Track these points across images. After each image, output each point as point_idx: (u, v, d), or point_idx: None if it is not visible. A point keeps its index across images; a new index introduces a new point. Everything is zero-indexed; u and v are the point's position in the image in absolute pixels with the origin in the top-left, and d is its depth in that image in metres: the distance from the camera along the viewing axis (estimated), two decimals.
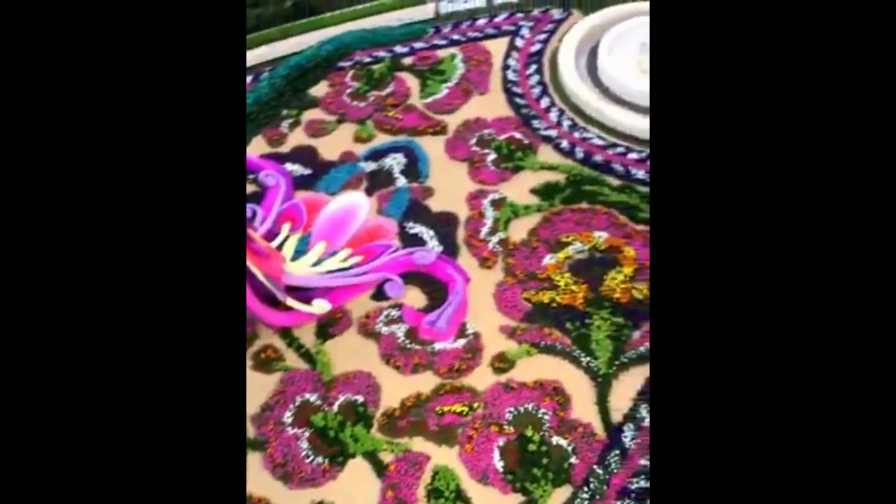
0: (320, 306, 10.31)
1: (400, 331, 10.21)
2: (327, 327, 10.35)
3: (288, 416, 9.44)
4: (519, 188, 11.99)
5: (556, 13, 15.48)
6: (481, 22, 15.53)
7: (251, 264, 9.46)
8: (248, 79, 14.00)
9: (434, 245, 11.20)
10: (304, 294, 10.42)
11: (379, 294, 10.67)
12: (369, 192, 12.13)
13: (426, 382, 9.66)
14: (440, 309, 10.27)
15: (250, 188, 12.13)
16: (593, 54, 14.39)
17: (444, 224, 11.53)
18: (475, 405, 9.33)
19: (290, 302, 10.14)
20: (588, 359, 9.73)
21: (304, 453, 9.12)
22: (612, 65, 13.76)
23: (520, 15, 15.60)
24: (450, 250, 11.16)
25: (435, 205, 11.84)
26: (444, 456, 8.98)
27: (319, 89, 13.90)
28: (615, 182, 11.91)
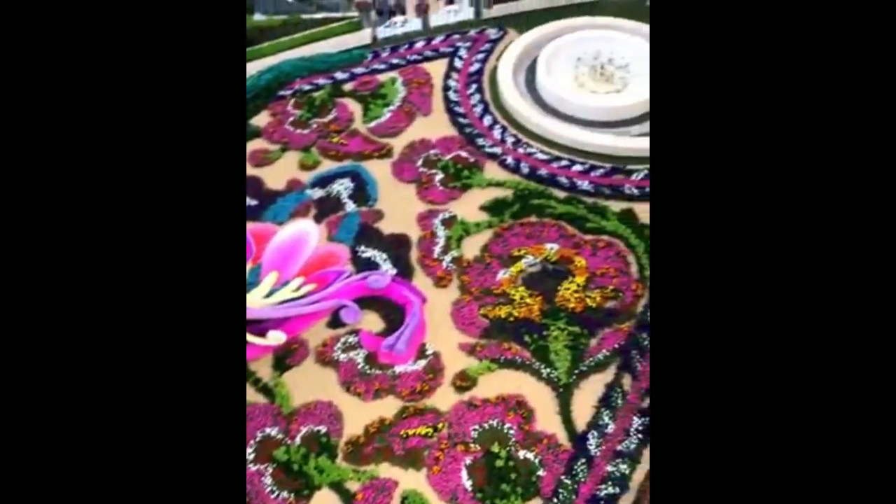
0: (276, 338, 10.12)
1: (359, 357, 10.09)
2: (284, 359, 10.15)
3: (250, 453, 9.18)
4: (468, 206, 12.09)
5: (492, 33, 15.79)
6: (419, 45, 15.71)
7: None
8: None
9: (388, 268, 11.16)
10: (259, 327, 10.20)
11: (335, 321, 10.54)
12: (318, 219, 12.03)
13: (389, 407, 9.56)
14: (398, 331, 10.21)
15: None
16: (531, 71, 14.72)
17: (396, 246, 11.52)
18: (440, 426, 9.27)
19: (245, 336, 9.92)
20: (548, 370, 9.81)
21: (268, 489, 8.87)
22: (550, 80, 14.09)
23: (456, 36, 15.85)
24: (404, 272, 11.13)
25: (386, 227, 11.82)
26: (411, 480, 8.87)
27: (261, 119, 13.82)
28: (561, 194, 12.13)
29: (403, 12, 16.82)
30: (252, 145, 13.41)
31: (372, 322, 10.53)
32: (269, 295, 10.66)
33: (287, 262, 11.21)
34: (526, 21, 15.89)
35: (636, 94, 13.86)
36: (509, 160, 12.80)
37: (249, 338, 9.91)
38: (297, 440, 9.31)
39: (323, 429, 9.38)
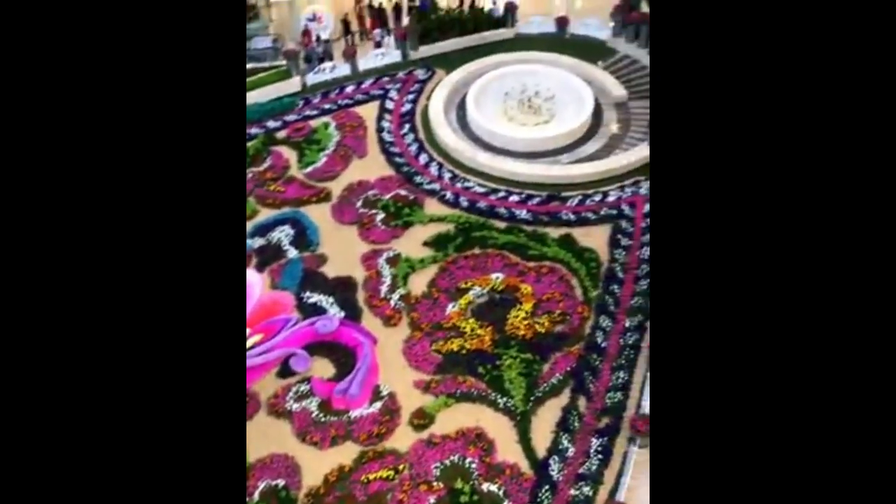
0: None
1: (312, 405, 9.88)
2: None
3: None
4: (412, 243, 12.15)
5: (421, 73, 16.14)
6: (349, 89, 15.89)
7: None
8: None
9: (335, 311, 11.05)
10: None
11: (285, 370, 10.32)
12: (260, 268, 11.84)
13: (347, 453, 9.35)
14: (351, 375, 10.07)
15: None
16: (462, 108, 15.08)
17: (342, 289, 11.43)
18: (401, 467, 9.12)
19: None
20: (505, 399, 9.84)
21: None
22: (481, 116, 14.47)
23: (386, 79, 16.12)
24: (352, 314, 11.04)
25: (330, 271, 11.74)
26: None
27: None
28: (501, 225, 12.37)
29: (331, 58, 17.04)
30: None
31: (323, 368, 10.35)
32: None
33: None
34: (452, 60, 16.34)
35: (564, 123, 14.37)
36: (448, 195, 12.99)
37: None
38: (256, 496, 8.97)
39: (281, 482, 9.08)
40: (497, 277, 11.40)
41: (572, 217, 12.41)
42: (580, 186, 12.99)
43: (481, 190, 13.08)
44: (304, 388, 10.11)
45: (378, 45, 17.39)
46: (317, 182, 13.49)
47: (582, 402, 9.75)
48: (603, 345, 10.38)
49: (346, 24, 17.97)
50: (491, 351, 10.43)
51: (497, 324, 10.77)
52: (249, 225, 12.66)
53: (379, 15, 18.07)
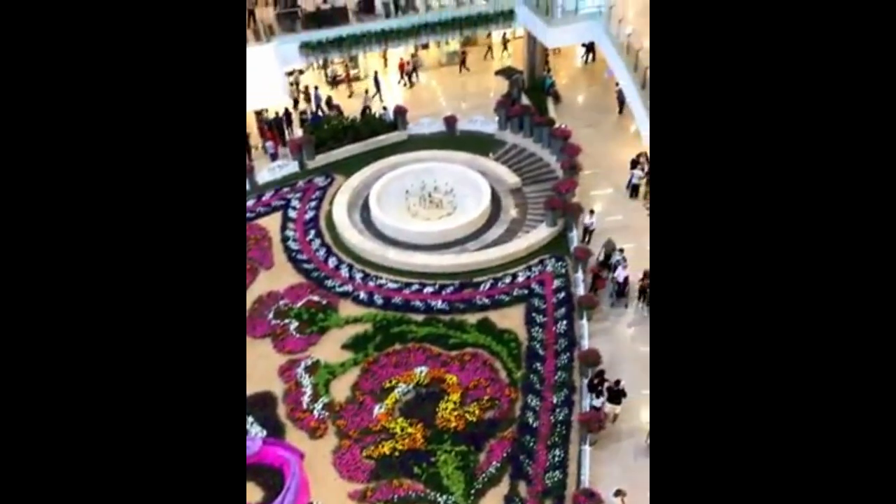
0: None
1: None
2: None
3: None
4: (330, 348, 11.88)
5: (320, 181, 16.36)
6: (250, 203, 15.81)
7: None
8: None
9: (256, 431, 10.45)
10: None
11: None
12: None
13: None
14: (280, 496, 9.45)
15: None
16: (365, 209, 15.31)
17: (261, 405, 10.89)
18: None
19: None
20: (445, 497, 9.50)
21: None
22: (385, 214, 14.73)
23: (286, 189, 16.20)
24: (275, 431, 10.48)
25: (247, 388, 11.18)
26: None
27: None
28: (419, 317, 12.37)
29: None
30: None
31: (251, 492, 9.65)
32: None
33: None
34: (350, 165, 16.72)
35: (466, 214, 14.88)
36: (362, 295, 12.92)
37: None
38: None
39: None
40: (421, 371, 11.27)
41: (487, 301, 12.62)
42: (490, 271, 13.31)
43: (394, 286, 13.12)
44: None
45: (274, 157, 17.58)
46: None
47: (523, 488, 9.57)
48: (535, 425, 10.35)
49: (261, 128, 18.23)
50: (424, 448, 10.14)
51: (427, 419, 10.55)
52: None
53: (277, 126, 18.39)
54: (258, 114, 18.46)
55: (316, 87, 19.73)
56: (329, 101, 19.24)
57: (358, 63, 21.70)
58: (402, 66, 21.06)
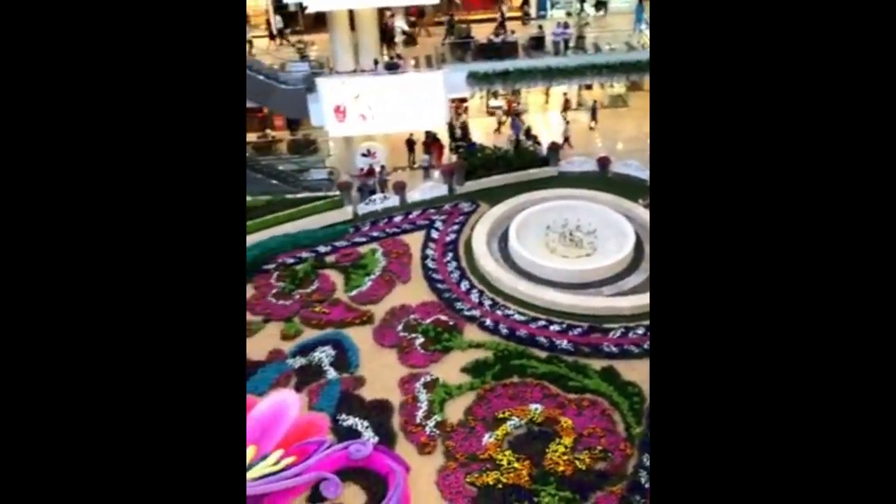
0: None
1: None
2: None
3: None
4: (450, 368, 12.10)
5: (465, 206, 16.82)
6: (397, 219, 16.60)
7: None
8: None
9: (369, 436, 10.86)
10: None
11: (315, 495, 10.01)
12: (299, 387, 11.87)
13: None
14: None
15: None
16: (504, 240, 15.50)
17: (378, 412, 11.31)
18: None
19: None
20: None
21: None
22: (522, 247, 14.82)
23: (432, 210, 16.83)
24: (386, 439, 10.83)
25: (367, 394, 11.68)
26: None
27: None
28: (542, 354, 12.25)
29: (383, 190, 17.99)
30: None
31: (354, 495, 10.02)
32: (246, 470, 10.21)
33: (266, 434, 10.86)
34: (496, 195, 17.04)
35: (606, 257, 14.58)
36: (488, 322, 13.05)
37: None
38: None
39: None
40: (536, 408, 11.13)
41: (615, 349, 12.24)
42: (623, 319, 12.91)
43: (521, 318, 13.12)
44: None
45: (427, 174, 18.39)
46: (360, 305, 13.79)
47: None
48: (647, 485, 9.83)
49: (410, 143, 19.34)
50: (528, 486, 9.98)
51: (535, 458, 10.37)
52: (292, 344, 12.87)
53: (435, 141, 19.44)
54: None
55: (517, 115, 20.50)
56: (528, 131, 19.83)
57: (520, 97, 22.17)
58: (566, 104, 21.26)
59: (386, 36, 20.86)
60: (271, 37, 22.42)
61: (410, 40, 21.88)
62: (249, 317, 13.60)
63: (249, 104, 19.45)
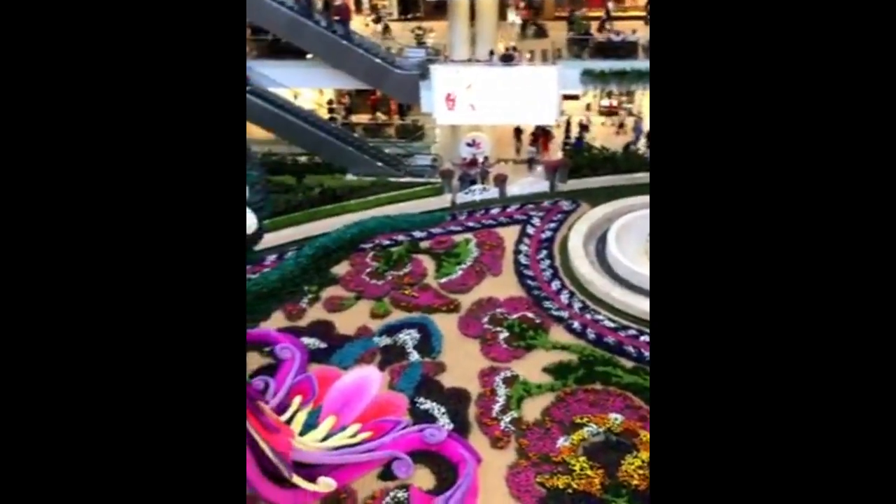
0: (326, 484, 9.89)
1: None
2: None
3: None
4: (531, 366, 12.01)
5: (566, 205, 16.56)
6: (494, 211, 16.59)
7: (259, 438, 9.28)
8: (273, 257, 14.79)
9: (445, 422, 10.98)
10: (310, 471, 10.05)
11: (386, 473, 10.27)
12: (382, 366, 12.19)
13: None
14: (449, 492, 9.80)
15: (266, 360, 12.26)
16: (602, 242, 15.14)
17: (455, 400, 11.41)
18: None
19: (296, 479, 9.76)
20: None
21: None
22: (621, 252, 14.41)
23: (531, 206, 16.69)
24: (461, 428, 10.91)
25: (447, 381, 11.81)
26: None
27: (340, 268, 14.58)
28: (628, 364, 11.92)
29: (484, 181, 18.04)
30: (329, 291, 14.11)
31: (423, 478, 10.19)
32: (324, 438, 10.62)
33: (346, 407, 11.25)
34: (598, 196, 16.65)
35: None
36: (576, 325, 12.83)
37: (300, 482, 9.75)
38: None
39: None
40: (616, 418, 10.85)
41: None
42: None
43: (611, 325, 12.80)
44: (401, 494, 9.96)
45: (530, 167, 18.25)
46: (449, 293, 13.93)
47: None
48: None
49: (518, 131, 19.35)
50: (599, 495, 9.76)
51: (610, 468, 10.13)
52: (380, 323, 13.22)
53: (544, 133, 19.30)
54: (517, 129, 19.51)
55: (640, 118, 20.17)
56: (648, 135, 19.48)
57: (634, 99, 21.54)
58: None
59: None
60: (376, 20, 22.87)
61: (541, 32, 21.77)
62: (343, 293, 14.09)
63: (363, 86, 20.06)
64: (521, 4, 23.14)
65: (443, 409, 11.22)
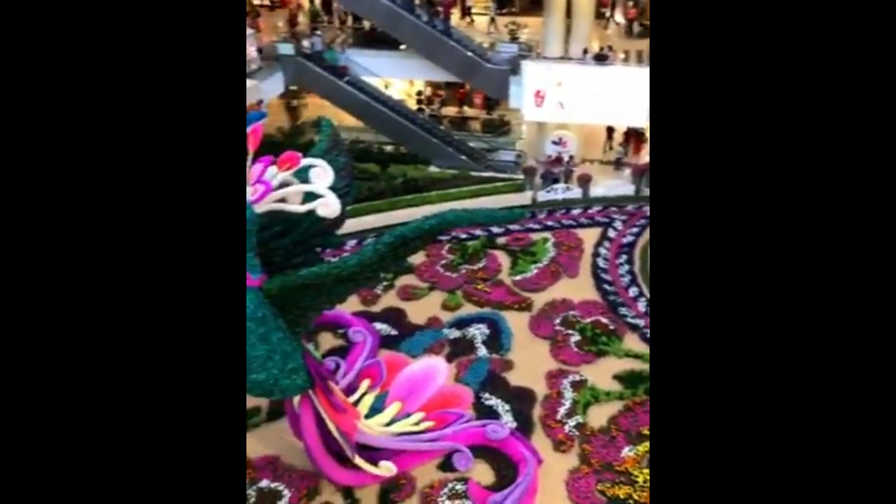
0: (386, 468, 10.09)
1: None
2: (390, 492, 10.04)
3: None
4: (601, 373, 11.78)
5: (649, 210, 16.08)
6: (575, 212, 16.33)
7: (326, 417, 9.56)
8: (353, 242, 15.16)
9: (508, 420, 10.96)
10: (373, 454, 10.28)
11: (446, 464, 10.36)
12: (450, 358, 12.28)
13: None
14: (508, 490, 9.79)
15: (338, 342, 12.61)
16: None
17: (520, 399, 11.35)
18: None
19: (358, 460, 10.01)
20: None
21: None
22: None
23: (614, 209, 16.32)
24: (524, 427, 10.86)
25: (513, 379, 11.77)
26: None
27: (416, 258, 14.79)
28: None
29: (567, 180, 17.78)
30: (404, 280, 14.33)
31: (483, 473, 10.22)
32: (389, 423, 10.82)
33: (412, 394, 11.40)
34: None
35: None
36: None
37: (362, 463, 9.99)
38: None
39: None
40: None
41: None
42: None
43: None
44: (460, 487, 10.03)
45: (617, 167, 17.85)
46: (522, 291, 13.85)
47: None
48: None
49: (610, 130, 19.03)
50: None
51: None
52: (451, 316, 13.31)
53: (638, 134, 18.86)
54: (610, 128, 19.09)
55: None
56: None
57: None
58: None
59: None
60: (463, 14, 22.76)
61: (647, 32, 21.19)
62: (417, 282, 14.28)
63: (454, 79, 20.16)
64: (629, 3, 22.55)
65: (507, 407, 11.20)
